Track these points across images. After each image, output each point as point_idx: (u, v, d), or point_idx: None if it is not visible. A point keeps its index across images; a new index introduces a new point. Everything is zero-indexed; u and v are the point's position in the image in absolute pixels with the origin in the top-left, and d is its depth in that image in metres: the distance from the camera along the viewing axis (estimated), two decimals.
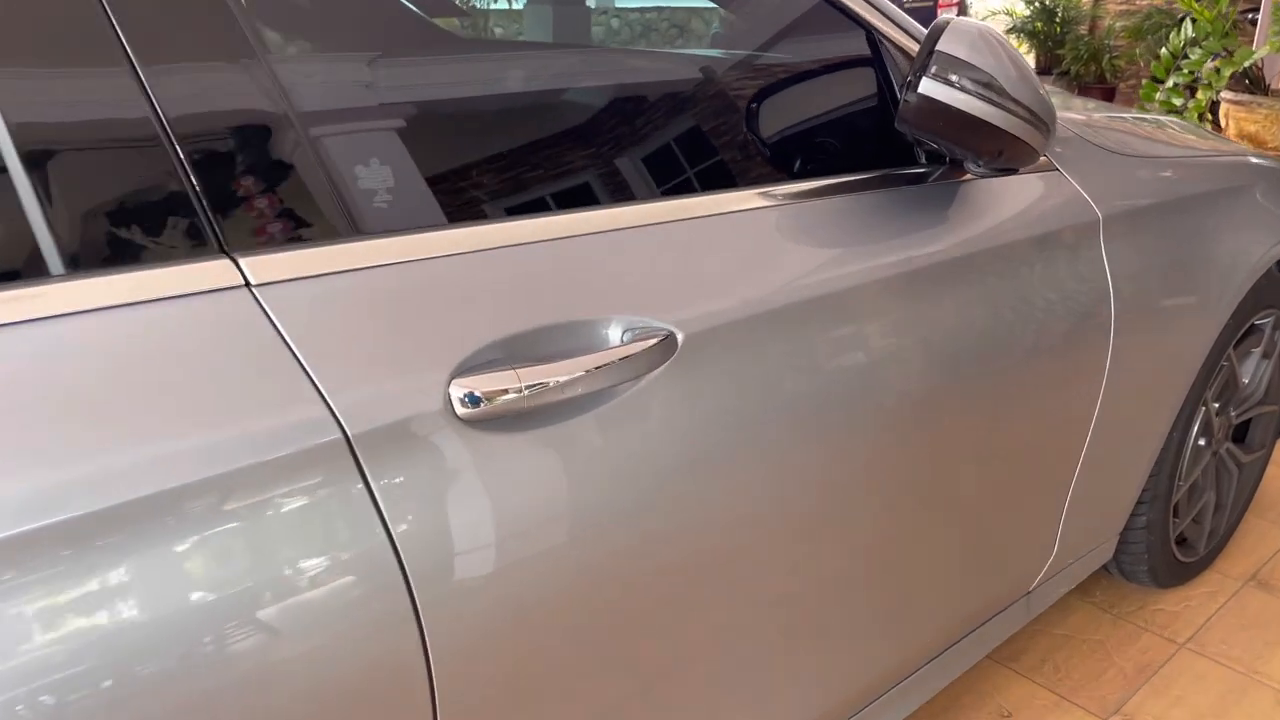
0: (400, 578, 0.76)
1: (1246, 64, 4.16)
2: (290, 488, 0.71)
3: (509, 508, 0.82)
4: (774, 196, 1.10)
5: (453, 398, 0.79)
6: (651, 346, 0.90)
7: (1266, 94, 4.76)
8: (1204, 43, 4.11)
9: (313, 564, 0.72)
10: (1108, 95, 7.36)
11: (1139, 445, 1.75)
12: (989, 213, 1.31)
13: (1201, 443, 1.96)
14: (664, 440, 0.93)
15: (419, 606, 0.77)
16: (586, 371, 0.85)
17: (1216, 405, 1.96)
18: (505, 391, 0.81)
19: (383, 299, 0.79)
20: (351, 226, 0.81)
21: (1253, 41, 4.67)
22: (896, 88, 1.27)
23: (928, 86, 1.06)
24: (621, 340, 0.91)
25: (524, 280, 0.87)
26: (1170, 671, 1.91)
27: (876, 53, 1.26)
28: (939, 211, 1.25)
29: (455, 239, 0.86)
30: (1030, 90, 1.12)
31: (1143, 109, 4.25)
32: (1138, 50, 6.58)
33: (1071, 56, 7.20)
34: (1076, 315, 1.44)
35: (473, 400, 0.80)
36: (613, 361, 0.87)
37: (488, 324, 0.83)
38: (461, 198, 0.90)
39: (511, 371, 0.81)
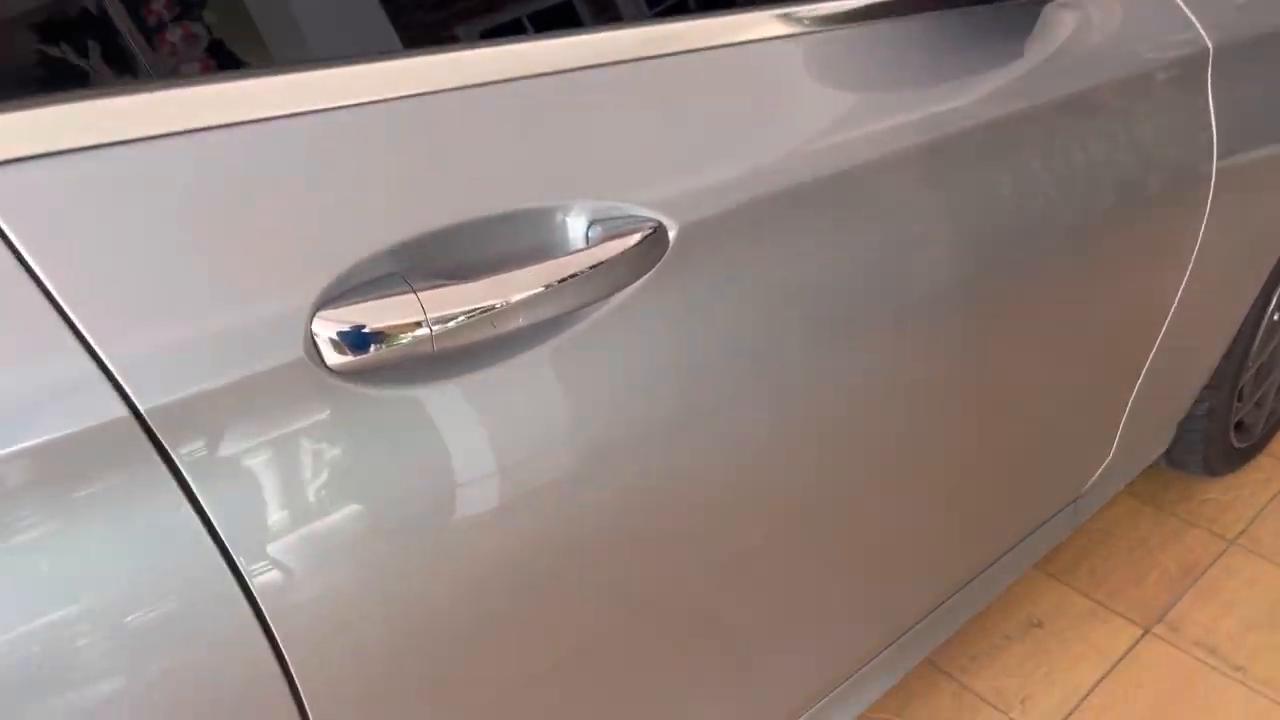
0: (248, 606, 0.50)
1: None
2: (50, 494, 0.44)
3: (411, 504, 0.55)
4: (798, 20, 0.78)
5: (318, 339, 0.51)
6: (632, 248, 0.61)
7: None
8: None
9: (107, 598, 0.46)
10: None
11: (1219, 326, 1.47)
12: (1077, 43, 0.98)
13: (1276, 318, 1.69)
14: (651, 395, 0.66)
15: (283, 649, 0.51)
16: (532, 292, 0.56)
17: None
18: (403, 327, 0.52)
19: (192, 186, 0.50)
20: (129, 65, 0.51)
21: None
22: None
23: None
24: (586, 239, 0.62)
25: (429, 150, 0.57)
26: (1219, 573, 1.70)
27: None
28: (1016, 41, 0.93)
29: (311, 85, 0.55)
30: None
31: None
32: None
33: None
34: (1172, 172, 1.13)
35: (353, 342, 0.51)
36: (573, 274, 0.58)
37: (371, 220, 0.54)
38: (321, 18, 0.58)
39: (411, 296, 0.53)
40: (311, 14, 0.59)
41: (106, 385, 0.46)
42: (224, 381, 0.48)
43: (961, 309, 0.93)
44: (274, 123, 0.52)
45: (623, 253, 0.61)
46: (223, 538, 0.49)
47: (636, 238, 0.62)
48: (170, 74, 0.53)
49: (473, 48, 0.61)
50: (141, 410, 0.46)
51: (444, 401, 0.56)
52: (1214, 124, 1.16)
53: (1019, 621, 1.61)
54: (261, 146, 0.52)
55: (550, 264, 0.57)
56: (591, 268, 0.59)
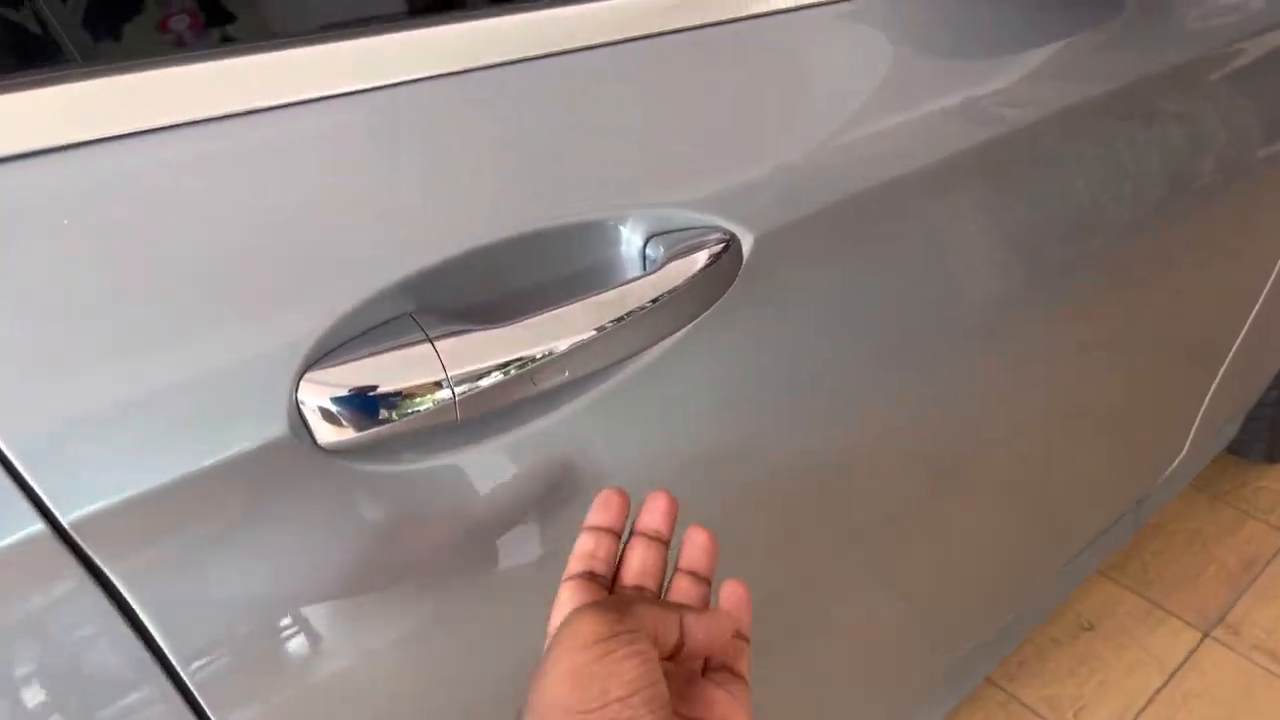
0: None
1: None
2: None
3: (423, 607, 0.43)
4: None
5: (305, 409, 0.39)
6: (702, 269, 0.48)
7: None
8: None
9: None
10: None
11: None
12: (1172, 8, 0.84)
13: None
14: (721, 444, 0.54)
15: None
16: (582, 337, 0.43)
17: None
18: (417, 390, 0.40)
19: (133, 206, 0.37)
20: (39, 48, 0.38)
21: None
22: None
23: None
24: (643, 259, 0.49)
25: (438, 151, 0.44)
26: (1279, 569, 1.59)
27: None
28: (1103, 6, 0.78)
29: (273, 67, 0.42)
30: None
31: None
32: None
33: None
34: (1268, 152, 1.00)
35: (352, 412, 0.39)
36: (633, 310, 0.45)
37: (370, 245, 0.41)
38: None
39: (427, 346, 0.40)
40: None
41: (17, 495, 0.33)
42: (173, 477, 0.36)
43: (1046, 311, 0.81)
44: (232, 121, 0.39)
45: (692, 276, 0.48)
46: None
47: (706, 256, 0.49)
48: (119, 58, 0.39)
49: (480, 17, 0.47)
50: (63, 523, 0.34)
51: (468, 475, 0.44)
52: None
53: (1068, 623, 1.51)
54: (216, 149, 0.39)
55: (603, 297, 0.44)
56: (654, 300, 0.46)
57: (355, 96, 0.42)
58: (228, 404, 0.37)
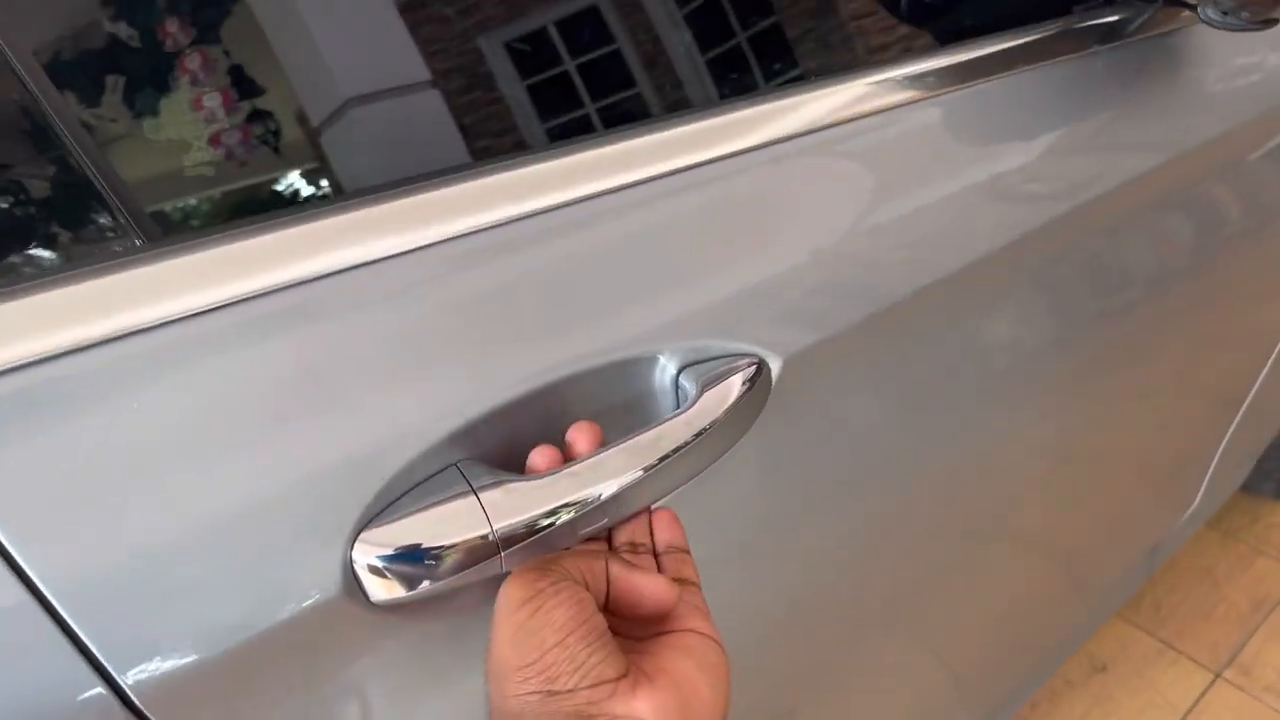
0: None
1: None
2: None
3: None
4: (895, 85, 0.65)
5: (358, 569, 0.40)
6: (737, 399, 0.50)
7: None
8: None
9: None
10: None
11: None
12: (1212, 77, 0.85)
13: None
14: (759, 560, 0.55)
15: None
16: (625, 480, 0.44)
17: None
18: (463, 546, 0.41)
19: (190, 374, 0.38)
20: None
21: None
22: None
23: None
24: (676, 392, 0.50)
25: (465, 304, 0.45)
26: None
27: None
28: (1147, 82, 0.80)
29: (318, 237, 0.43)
30: None
31: None
32: None
33: None
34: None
35: (403, 566, 0.40)
36: (676, 448, 0.46)
37: (417, 404, 0.43)
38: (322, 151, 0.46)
39: (472, 498, 0.41)
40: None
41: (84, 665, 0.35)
42: (231, 642, 0.37)
43: (1060, 378, 0.82)
44: (280, 297, 0.41)
45: (727, 408, 0.49)
46: None
47: (738, 384, 0.50)
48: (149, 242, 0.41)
49: (494, 169, 0.48)
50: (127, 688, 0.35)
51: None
52: None
53: (1081, 664, 1.52)
54: (255, 324, 0.40)
55: (640, 439, 0.46)
56: (694, 436, 0.47)
57: (382, 264, 0.43)
58: (283, 567, 0.38)
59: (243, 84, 0.46)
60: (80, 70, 0.42)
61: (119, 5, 0.43)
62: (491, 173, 0.48)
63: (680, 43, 0.58)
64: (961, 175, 0.65)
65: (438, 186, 0.46)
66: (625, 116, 0.56)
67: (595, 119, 0.55)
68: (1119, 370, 0.90)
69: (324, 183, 0.48)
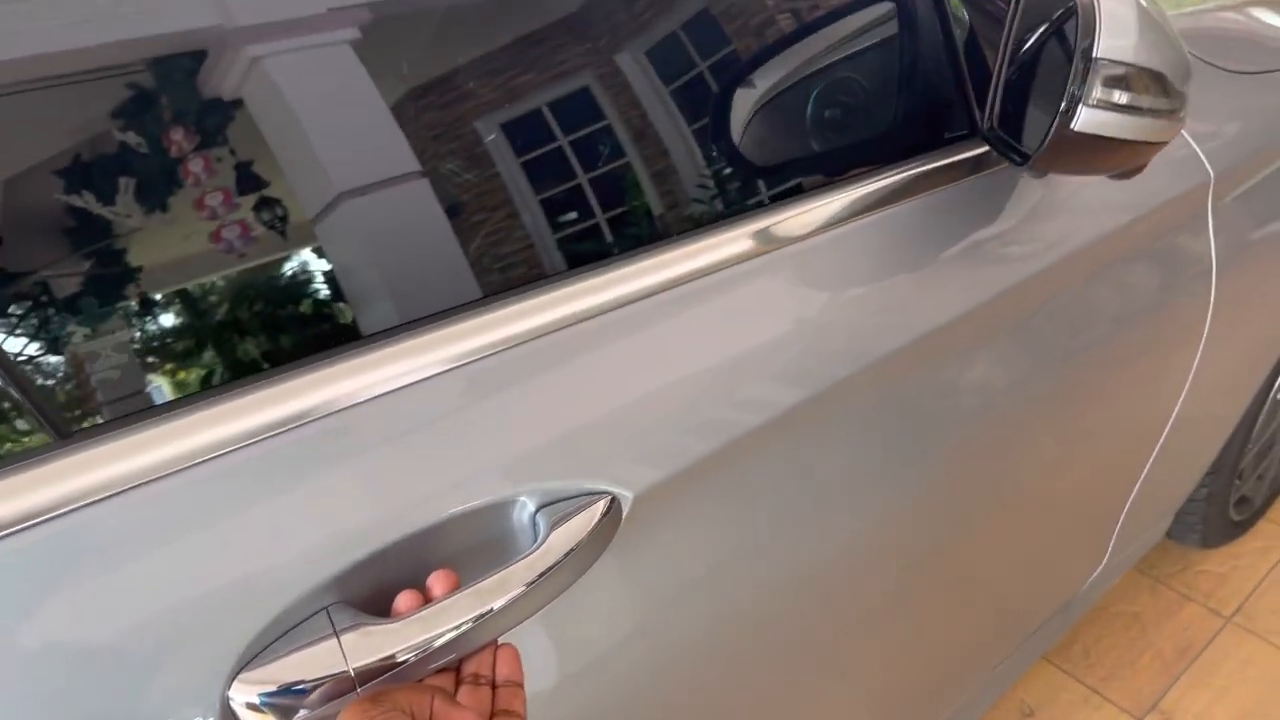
0: None
1: None
2: None
3: None
4: (758, 239, 0.73)
5: (236, 707, 0.48)
6: (587, 535, 0.58)
7: None
8: None
9: None
10: None
11: (1218, 425, 1.44)
12: (1076, 198, 0.94)
13: (1279, 397, 1.65)
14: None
15: None
16: (465, 625, 0.52)
17: None
18: (324, 684, 0.49)
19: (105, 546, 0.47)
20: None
21: None
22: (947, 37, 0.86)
23: (1091, 120, 0.67)
24: (533, 528, 0.58)
25: (323, 463, 0.53)
26: (1214, 655, 1.68)
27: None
28: (1009, 210, 0.88)
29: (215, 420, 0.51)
30: (1186, 64, 0.73)
31: None
32: None
33: None
34: (1169, 301, 1.10)
35: (275, 703, 0.48)
36: (513, 596, 0.54)
37: (293, 556, 0.51)
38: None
39: (333, 641, 0.49)
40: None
41: None
42: None
43: (959, 451, 0.90)
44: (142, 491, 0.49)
45: (578, 543, 0.57)
46: None
47: (585, 521, 0.58)
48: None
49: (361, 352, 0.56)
50: None
51: None
52: (1213, 249, 1.12)
53: (1010, 709, 1.59)
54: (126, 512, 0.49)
55: (484, 584, 0.53)
56: (539, 576, 0.55)
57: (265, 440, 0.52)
58: (166, 706, 0.46)
59: (242, 182, 0.54)
60: (97, 172, 0.50)
61: (128, 116, 0.51)
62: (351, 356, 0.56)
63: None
64: (811, 312, 0.73)
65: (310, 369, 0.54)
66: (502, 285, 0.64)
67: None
68: (1015, 446, 0.98)
69: (318, 272, 0.56)
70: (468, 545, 0.57)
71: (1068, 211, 0.91)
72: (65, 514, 0.46)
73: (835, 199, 0.76)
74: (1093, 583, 1.39)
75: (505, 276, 0.62)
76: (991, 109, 0.80)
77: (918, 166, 0.81)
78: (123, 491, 0.47)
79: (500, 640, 0.55)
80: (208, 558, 0.48)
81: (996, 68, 0.79)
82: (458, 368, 0.58)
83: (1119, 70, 0.66)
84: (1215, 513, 1.68)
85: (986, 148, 0.85)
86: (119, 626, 0.46)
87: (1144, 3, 0.68)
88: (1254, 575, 1.82)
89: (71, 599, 0.45)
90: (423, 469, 0.55)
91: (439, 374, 0.57)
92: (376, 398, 0.55)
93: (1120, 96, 0.66)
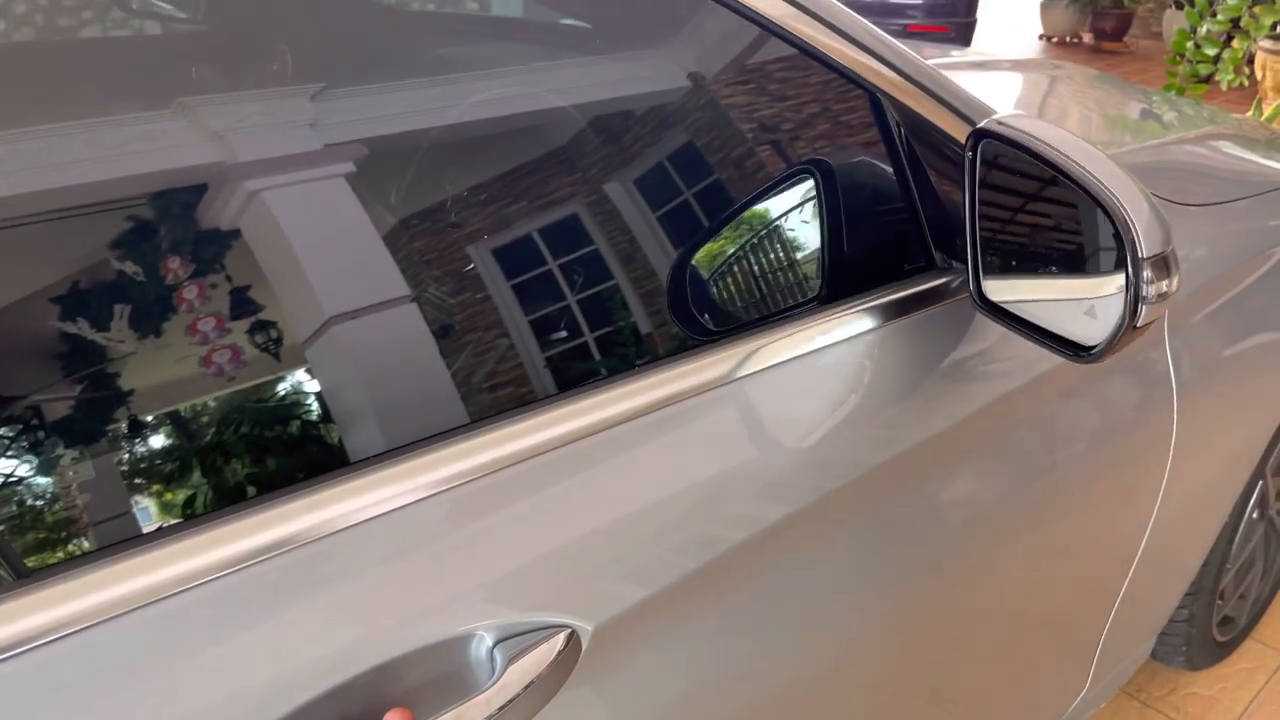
0: None
1: None
2: None
3: None
4: (741, 361, 0.76)
5: None
6: (546, 667, 0.58)
7: None
8: None
9: None
10: (1124, 20, 6.87)
11: (1191, 549, 1.45)
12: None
13: (1255, 515, 1.66)
14: None
15: None
16: None
17: (1273, 472, 1.66)
18: None
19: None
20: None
21: None
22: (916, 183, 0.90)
23: (1149, 313, 0.72)
24: (491, 662, 0.59)
25: (285, 595, 0.54)
26: None
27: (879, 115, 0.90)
28: (972, 340, 0.91)
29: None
30: (1169, 230, 0.76)
31: (1174, 60, 3.81)
32: None
33: None
34: (1131, 430, 1.12)
35: None
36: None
37: (237, 697, 0.51)
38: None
39: None
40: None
41: None
42: None
43: (927, 581, 0.90)
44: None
45: (538, 676, 0.58)
46: None
47: (550, 652, 0.59)
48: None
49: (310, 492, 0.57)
50: None
51: None
52: (1173, 375, 1.15)
53: None
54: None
55: (448, 717, 0.54)
56: (500, 709, 0.55)
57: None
58: None
59: (235, 308, 0.56)
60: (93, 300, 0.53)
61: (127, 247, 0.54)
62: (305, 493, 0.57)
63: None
64: (768, 442, 0.75)
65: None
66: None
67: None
68: (993, 564, 0.98)
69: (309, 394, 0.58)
70: (426, 680, 0.57)
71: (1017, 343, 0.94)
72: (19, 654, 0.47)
73: (812, 326, 0.79)
74: (1078, 707, 1.38)
75: (477, 405, 0.65)
76: (976, 276, 0.82)
77: (884, 296, 0.84)
78: (79, 630, 0.48)
79: None
80: (157, 699, 0.49)
81: (967, 228, 0.83)
82: (424, 499, 0.59)
83: (1159, 263, 0.70)
84: (1199, 634, 1.67)
85: (948, 278, 0.89)
86: None
87: (1135, 181, 0.72)
88: (1243, 696, 1.80)
89: None
90: (386, 602, 0.56)
91: (409, 504, 0.59)
92: (347, 528, 0.56)
93: (1162, 286, 0.70)
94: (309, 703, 0.53)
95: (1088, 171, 0.71)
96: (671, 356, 0.73)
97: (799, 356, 0.78)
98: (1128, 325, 0.71)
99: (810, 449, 0.76)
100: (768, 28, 0.78)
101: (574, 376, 0.71)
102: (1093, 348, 0.74)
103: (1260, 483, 1.60)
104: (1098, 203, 0.70)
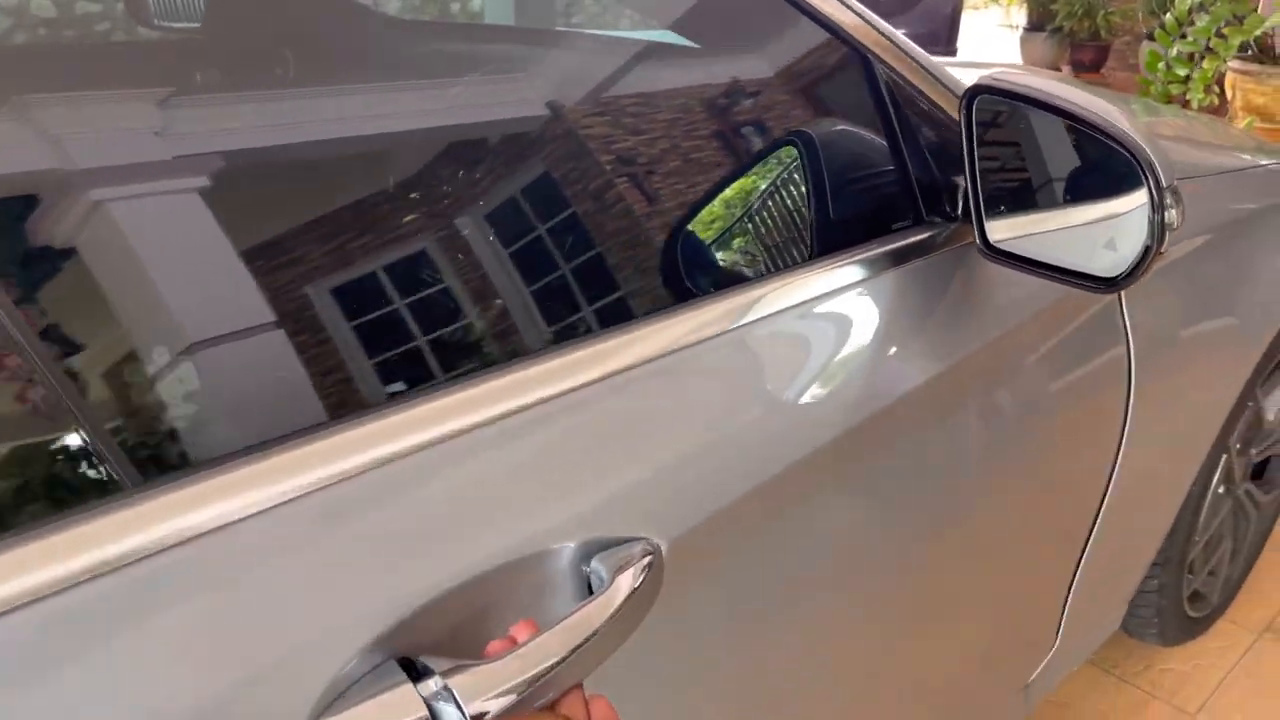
0: None
1: (1258, 32, 3.89)
2: None
3: None
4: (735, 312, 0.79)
5: None
6: (645, 580, 0.61)
7: (1277, 64, 4.46)
8: (1212, 8, 3.82)
9: None
10: (1101, 53, 7.06)
11: (1154, 514, 1.52)
12: (1001, 284, 1.02)
13: (1221, 490, 1.74)
14: None
15: None
16: (555, 659, 0.54)
17: (1238, 447, 1.74)
18: None
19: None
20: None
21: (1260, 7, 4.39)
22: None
23: (1171, 240, 0.80)
24: (586, 579, 0.61)
25: (389, 520, 0.57)
26: None
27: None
28: (955, 292, 0.96)
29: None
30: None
31: (1146, 80, 3.95)
32: (1136, 5, 6.24)
33: (1065, 13, 6.82)
34: (1087, 391, 1.18)
35: None
36: (597, 630, 0.57)
37: (351, 604, 0.53)
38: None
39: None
40: None
41: None
42: None
43: (910, 537, 0.96)
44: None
45: (638, 586, 0.60)
46: None
47: (642, 565, 0.62)
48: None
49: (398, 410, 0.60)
50: None
51: None
52: (1130, 342, 1.20)
53: None
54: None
55: (576, 617, 0.56)
56: (612, 616, 0.58)
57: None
58: None
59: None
60: None
61: None
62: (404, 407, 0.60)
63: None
64: (792, 386, 0.79)
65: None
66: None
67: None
68: (960, 524, 1.03)
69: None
70: (526, 600, 0.59)
71: (993, 297, 0.99)
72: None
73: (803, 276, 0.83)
74: (1048, 667, 1.42)
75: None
76: (980, 226, 0.87)
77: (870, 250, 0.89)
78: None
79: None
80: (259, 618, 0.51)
81: (968, 182, 0.88)
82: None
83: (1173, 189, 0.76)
84: (1170, 606, 1.74)
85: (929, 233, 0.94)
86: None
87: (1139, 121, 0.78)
88: (1216, 673, 1.87)
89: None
90: (477, 520, 0.59)
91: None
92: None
93: (1179, 213, 0.76)
94: (410, 616, 0.54)
95: (1097, 114, 0.76)
96: (673, 307, 0.77)
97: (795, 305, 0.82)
98: (1155, 250, 0.77)
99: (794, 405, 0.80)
100: None
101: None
102: (1114, 278, 0.79)
103: (1225, 456, 1.67)
104: (1114, 140, 0.76)
